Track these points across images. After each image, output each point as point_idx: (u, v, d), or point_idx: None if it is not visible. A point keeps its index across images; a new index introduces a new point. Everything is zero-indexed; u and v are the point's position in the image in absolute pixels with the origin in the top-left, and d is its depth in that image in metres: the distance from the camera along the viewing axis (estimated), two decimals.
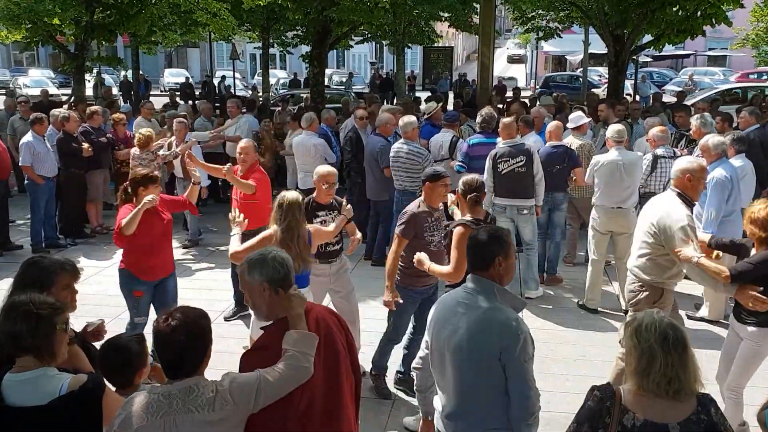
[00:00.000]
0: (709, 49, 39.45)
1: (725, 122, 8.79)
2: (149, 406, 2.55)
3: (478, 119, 8.28)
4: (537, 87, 33.27)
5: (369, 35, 27.21)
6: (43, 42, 16.45)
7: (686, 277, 7.88)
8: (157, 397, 2.57)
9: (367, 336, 6.32)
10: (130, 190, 5.51)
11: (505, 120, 7.53)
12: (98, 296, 7.40)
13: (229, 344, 5.87)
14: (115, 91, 25.21)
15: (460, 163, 8.00)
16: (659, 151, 7.44)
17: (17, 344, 2.63)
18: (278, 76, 36.96)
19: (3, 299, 3.19)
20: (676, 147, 8.55)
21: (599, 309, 7.15)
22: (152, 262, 5.51)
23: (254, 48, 32.41)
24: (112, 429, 2.56)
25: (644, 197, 7.09)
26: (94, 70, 22.44)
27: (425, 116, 9.64)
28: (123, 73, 32.51)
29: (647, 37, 17.17)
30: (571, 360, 6.02)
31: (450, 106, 14.11)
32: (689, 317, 6.80)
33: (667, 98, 21.38)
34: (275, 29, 23.64)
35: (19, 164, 9.22)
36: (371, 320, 6.83)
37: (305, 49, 21.28)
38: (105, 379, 3.17)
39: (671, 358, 2.51)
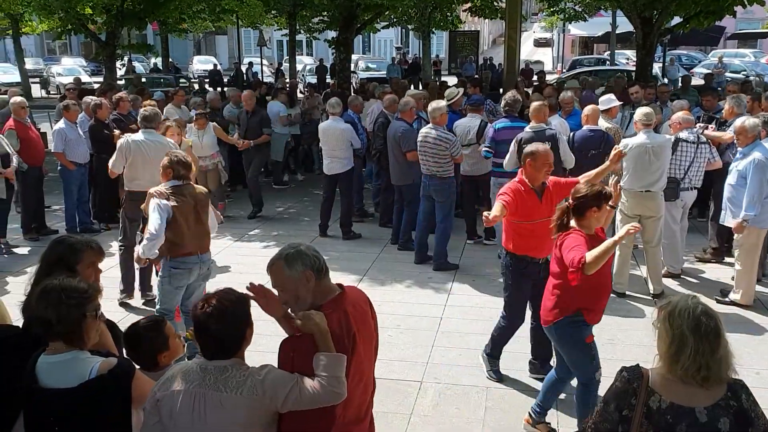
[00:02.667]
0: (739, 30, 38.61)
1: (755, 102, 8.71)
2: (187, 374, 2.66)
3: (502, 103, 8.27)
4: (563, 70, 32.90)
5: (395, 20, 27.15)
6: (75, 31, 16.73)
7: (710, 262, 8.00)
8: (196, 367, 2.68)
9: (393, 319, 6.41)
10: (573, 212, 4.22)
11: (535, 104, 7.51)
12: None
13: (258, 326, 5.96)
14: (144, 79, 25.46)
15: (487, 149, 8.01)
16: (682, 135, 7.35)
17: (48, 330, 2.70)
18: (305, 62, 37.05)
19: (32, 276, 3.32)
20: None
21: (627, 293, 7.13)
22: (604, 300, 4.40)
23: (281, 35, 32.50)
24: (155, 388, 2.68)
25: None
26: (125, 58, 22.72)
27: (447, 102, 9.62)
28: (153, 60, 32.85)
29: (676, 19, 16.93)
30: (599, 344, 5.94)
31: None
32: (719, 301, 6.77)
33: (696, 81, 21.03)
34: (301, 15, 23.71)
35: (52, 151, 9.44)
36: (398, 304, 6.92)
37: (331, 34, 21.30)
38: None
39: (702, 346, 2.50)
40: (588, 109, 7.85)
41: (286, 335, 2.93)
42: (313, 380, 2.66)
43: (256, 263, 8.19)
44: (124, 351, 3.36)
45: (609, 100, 8.37)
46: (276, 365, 2.78)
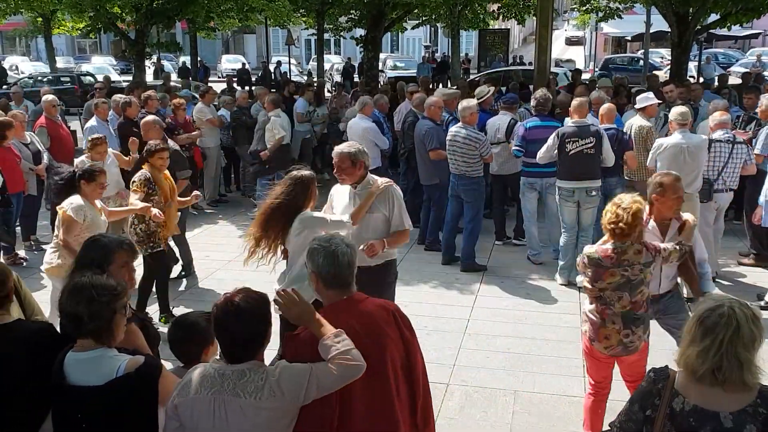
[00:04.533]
0: None
1: None
2: (205, 379, 2.63)
3: (533, 102, 8.14)
4: (596, 69, 32.48)
5: (424, 18, 27.04)
6: (105, 29, 16.93)
7: (753, 265, 7.78)
8: (214, 372, 2.64)
9: (419, 321, 6.31)
10: None
11: (578, 100, 7.39)
12: None
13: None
14: (174, 77, 25.68)
15: (518, 148, 7.89)
16: (715, 135, 7.17)
17: (78, 327, 2.71)
18: (332, 61, 37.11)
19: (65, 277, 3.31)
20: (744, 129, 8.22)
21: None
22: None
23: (309, 34, 32.59)
24: (174, 393, 2.68)
25: None
26: (154, 57, 22.96)
27: (477, 101, 9.51)
28: (182, 59, 33.18)
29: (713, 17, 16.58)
30: None
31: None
32: (763, 308, 6.54)
33: (734, 80, 20.62)
34: (330, 14, 23.73)
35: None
36: (425, 305, 6.83)
37: (360, 32, 21.25)
38: (176, 355, 3.27)
39: (694, 336, 2.47)
40: (603, 108, 7.75)
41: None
42: (329, 364, 2.63)
43: (282, 261, 8.15)
44: (159, 349, 3.36)
45: (645, 99, 8.19)
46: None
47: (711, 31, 18.57)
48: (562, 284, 7.35)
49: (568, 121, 7.41)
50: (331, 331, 2.69)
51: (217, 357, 3.31)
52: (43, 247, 8.71)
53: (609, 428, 2.70)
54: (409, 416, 2.95)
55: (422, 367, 3.07)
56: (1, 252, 7.77)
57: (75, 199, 5.34)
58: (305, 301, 2.80)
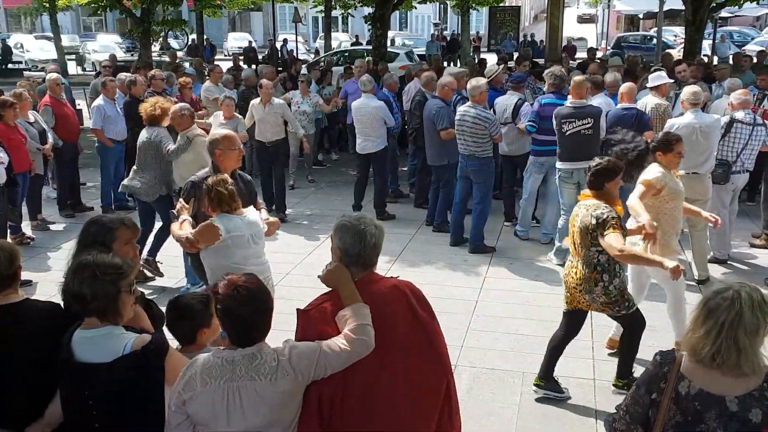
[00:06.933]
0: None
1: None
2: (212, 369, 2.61)
3: (549, 79, 8.02)
4: (608, 48, 32.08)
5: None
6: (110, 7, 16.79)
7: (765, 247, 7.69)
8: (221, 361, 2.62)
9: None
10: None
11: (577, 78, 7.27)
12: (167, 258, 7.54)
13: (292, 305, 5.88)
14: (180, 54, 25.55)
15: (531, 123, 7.80)
16: (738, 115, 7.05)
17: (83, 306, 2.71)
18: (340, 39, 36.83)
19: (69, 258, 3.27)
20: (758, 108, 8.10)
21: None
22: None
23: (316, 11, 32.31)
24: (177, 389, 2.63)
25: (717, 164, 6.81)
26: (161, 35, 22.85)
27: (486, 79, 9.40)
28: (191, 37, 33.01)
29: None
30: None
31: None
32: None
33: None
34: None
35: (90, 127, 9.46)
36: (432, 286, 6.78)
37: (368, 10, 21.02)
38: (171, 334, 3.27)
39: (697, 318, 2.47)
40: (624, 86, 7.65)
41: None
42: (338, 339, 2.64)
43: (289, 242, 8.14)
44: (164, 329, 3.35)
45: (658, 77, 8.07)
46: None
47: (722, 15, 18.24)
48: (558, 264, 7.29)
49: (567, 101, 7.31)
50: (356, 301, 2.72)
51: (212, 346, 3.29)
52: (50, 226, 8.72)
53: (615, 411, 2.69)
54: (433, 400, 2.94)
55: (444, 347, 3.07)
56: (9, 231, 7.76)
57: (658, 169, 5.25)
58: (342, 266, 2.83)
